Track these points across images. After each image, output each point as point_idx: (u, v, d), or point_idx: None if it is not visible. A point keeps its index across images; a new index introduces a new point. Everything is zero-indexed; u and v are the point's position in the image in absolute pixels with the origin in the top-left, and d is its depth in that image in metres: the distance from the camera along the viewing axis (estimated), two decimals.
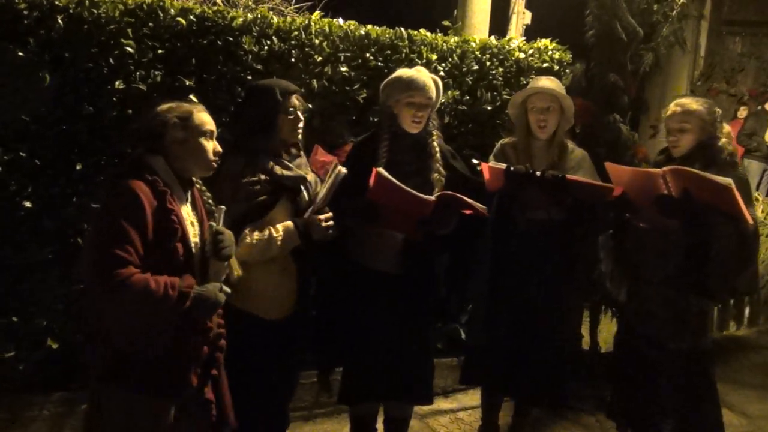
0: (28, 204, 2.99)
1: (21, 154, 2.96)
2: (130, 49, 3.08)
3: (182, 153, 2.12)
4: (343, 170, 2.58)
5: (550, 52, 4.17)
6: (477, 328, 3.15)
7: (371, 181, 2.60)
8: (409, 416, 3.15)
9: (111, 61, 3.07)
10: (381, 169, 2.60)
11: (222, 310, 2.22)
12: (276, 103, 2.52)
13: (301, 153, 2.71)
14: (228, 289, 2.15)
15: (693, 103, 2.85)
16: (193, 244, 2.12)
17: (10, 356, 3.01)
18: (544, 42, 4.20)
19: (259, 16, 3.37)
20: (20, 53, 2.89)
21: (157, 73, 3.15)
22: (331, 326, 2.93)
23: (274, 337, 2.62)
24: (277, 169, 2.52)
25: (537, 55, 4.11)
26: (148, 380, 2.05)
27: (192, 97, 3.09)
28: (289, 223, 2.52)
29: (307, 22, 3.50)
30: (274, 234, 2.49)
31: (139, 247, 1.95)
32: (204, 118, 2.16)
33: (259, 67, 3.35)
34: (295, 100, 2.57)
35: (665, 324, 2.85)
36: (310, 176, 2.72)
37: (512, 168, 2.82)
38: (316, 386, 3.67)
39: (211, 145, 2.17)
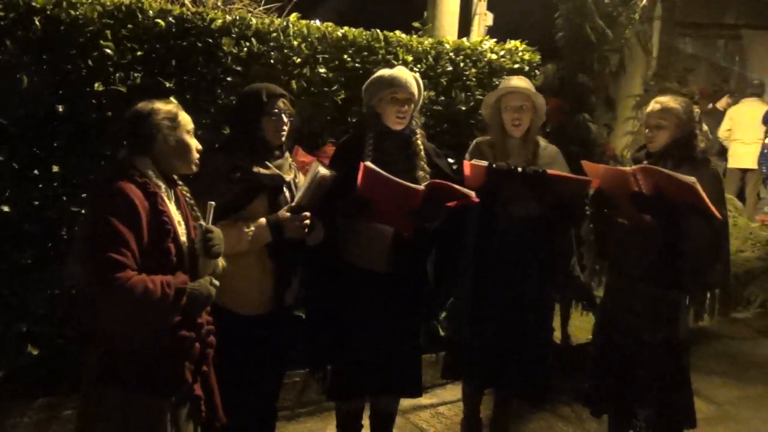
0: (6, 208, 2.94)
1: None
2: (109, 51, 3.06)
3: (171, 152, 2.15)
4: (323, 170, 2.62)
5: (520, 53, 4.28)
6: (461, 324, 3.20)
7: (360, 175, 2.65)
8: (396, 411, 3.20)
9: (90, 62, 3.04)
10: (368, 163, 2.65)
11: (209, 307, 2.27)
12: (261, 104, 2.60)
13: (286, 155, 2.76)
14: (217, 283, 2.18)
15: (671, 102, 2.96)
16: (182, 243, 2.15)
17: None
18: (514, 43, 4.31)
19: (238, 17, 3.38)
20: None
21: (136, 74, 3.13)
22: (321, 325, 2.97)
23: (251, 333, 2.65)
24: (255, 168, 2.58)
25: (508, 57, 4.21)
26: (145, 379, 2.07)
27: (172, 98, 3.08)
28: (262, 220, 2.57)
29: (285, 23, 3.52)
30: (245, 229, 2.53)
31: (135, 249, 1.97)
32: (186, 116, 2.22)
33: (238, 68, 3.37)
34: (280, 103, 2.64)
35: (642, 316, 2.96)
36: (298, 177, 2.76)
37: (494, 165, 2.90)
38: (299, 385, 3.70)
39: (194, 143, 2.21)
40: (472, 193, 2.72)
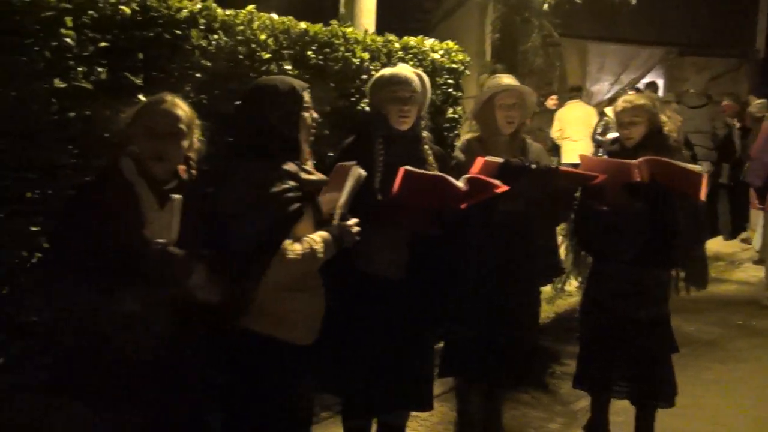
0: None
1: None
2: (69, 41, 2.58)
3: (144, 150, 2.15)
4: (363, 172, 2.46)
5: (453, 53, 4.34)
6: (463, 319, 3.16)
7: (398, 181, 2.53)
8: (406, 423, 3.10)
9: (47, 54, 2.55)
10: (408, 167, 2.53)
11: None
12: (299, 99, 2.37)
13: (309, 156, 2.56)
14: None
15: (639, 99, 3.21)
16: None
17: None
18: (447, 43, 4.36)
19: (203, 7, 3.03)
20: None
21: (101, 69, 2.68)
22: (333, 342, 2.77)
23: (303, 363, 2.43)
24: (303, 174, 2.33)
25: (447, 56, 4.25)
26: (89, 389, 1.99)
27: (141, 97, 2.69)
28: (325, 233, 2.35)
29: (250, 15, 3.23)
30: (314, 246, 2.30)
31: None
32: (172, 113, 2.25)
33: (207, 63, 3.02)
34: (308, 96, 2.43)
35: (633, 297, 3.17)
36: None
37: (510, 161, 2.91)
38: None
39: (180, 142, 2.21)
40: (498, 182, 2.71)
